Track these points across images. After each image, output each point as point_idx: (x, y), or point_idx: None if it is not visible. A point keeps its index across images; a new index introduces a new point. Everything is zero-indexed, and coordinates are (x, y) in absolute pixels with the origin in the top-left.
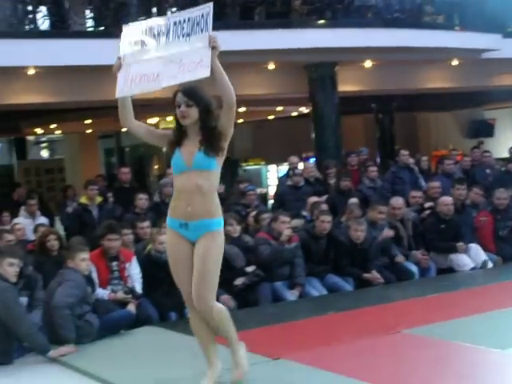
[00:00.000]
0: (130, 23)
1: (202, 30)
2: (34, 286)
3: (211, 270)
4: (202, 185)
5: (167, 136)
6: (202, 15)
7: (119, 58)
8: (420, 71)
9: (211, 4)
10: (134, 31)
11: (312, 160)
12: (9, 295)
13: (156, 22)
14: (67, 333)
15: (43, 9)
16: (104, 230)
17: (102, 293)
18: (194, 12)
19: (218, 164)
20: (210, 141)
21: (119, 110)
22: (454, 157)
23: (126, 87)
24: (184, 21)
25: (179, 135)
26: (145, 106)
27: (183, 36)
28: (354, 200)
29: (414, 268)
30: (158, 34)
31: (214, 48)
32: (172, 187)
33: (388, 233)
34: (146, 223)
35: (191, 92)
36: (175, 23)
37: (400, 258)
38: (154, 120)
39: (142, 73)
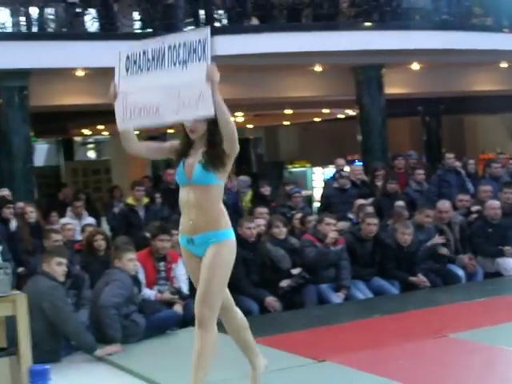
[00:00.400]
0: (125, 49)
1: (199, 59)
2: (81, 286)
3: (214, 291)
4: (201, 199)
5: (174, 147)
6: (199, 41)
7: (114, 86)
8: (468, 74)
9: (208, 29)
10: (128, 55)
11: (358, 162)
12: (57, 294)
13: (150, 44)
14: (113, 332)
15: (92, 11)
16: (156, 230)
17: (149, 293)
18: (190, 36)
19: (218, 178)
20: (212, 155)
21: (121, 140)
22: (501, 160)
23: (125, 120)
24: (179, 45)
25: (186, 145)
26: None
27: (179, 63)
28: (400, 203)
29: (460, 272)
30: (153, 59)
31: (212, 81)
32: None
33: (438, 239)
34: None
35: None
36: (170, 48)
37: (443, 250)
38: None
39: (140, 104)
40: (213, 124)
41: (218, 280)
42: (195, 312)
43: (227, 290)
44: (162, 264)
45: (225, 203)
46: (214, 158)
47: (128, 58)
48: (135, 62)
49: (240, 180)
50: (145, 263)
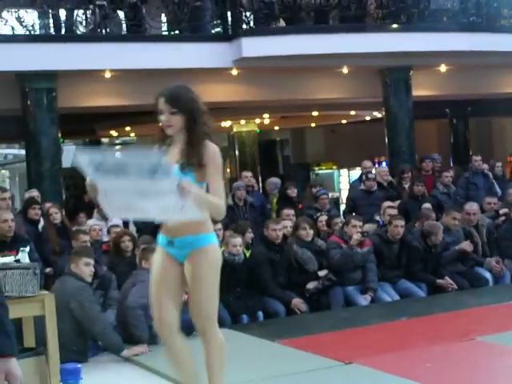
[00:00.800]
0: (81, 153)
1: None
2: (108, 286)
3: (204, 301)
4: None
5: None
6: (155, 162)
7: (90, 183)
8: (496, 75)
9: (161, 155)
10: (88, 160)
11: (384, 164)
12: (85, 294)
13: (109, 156)
14: (140, 333)
15: (120, 13)
16: None
17: None
18: (146, 157)
19: (198, 180)
20: (190, 155)
21: None
22: None
23: (115, 214)
24: (137, 164)
25: (163, 142)
26: (217, 110)
27: (146, 174)
28: (427, 205)
29: (487, 275)
30: (117, 168)
31: (188, 195)
32: (244, 190)
33: (467, 246)
34: (219, 226)
35: (174, 98)
36: (132, 162)
37: (465, 245)
38: (227, 123)
39: (123, 203)
40: (190, 120)
41: (207, 289)
42: (194, 325)
43: (176, 314)
44: None
45: (252, 205)
46: (191, 158)
47: (89, 163)
48: (100, 166)
49: (270, 182)
50: None
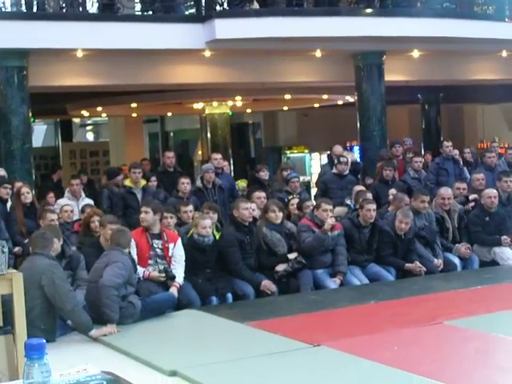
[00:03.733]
0: None
1: None
2: (77, 266)
3: None
4: None
5: None
6: None
7: None
8: (468, 62)
9: None
10: None
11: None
12: (56, 271)
13: None
14: (112, 313)
15: None
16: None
17: (139, 270)
18: None
19: None
20: None
21: None
22: (495, 149)
23: None
24: None
25: None
26: (189, 91)
27: None
28: (392, 191)
29: (456, 260)
30: None
31: None
32: (213, 173)
33: (438, 263)
34: (190, 207)
35: None
36: None
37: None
38: (199, 105)
39: None
40: None
41: None
42: None
43: None
44: (157, 242)
45: (220, 187)
46: None
47: None
48: None
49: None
50: (138, 240)
